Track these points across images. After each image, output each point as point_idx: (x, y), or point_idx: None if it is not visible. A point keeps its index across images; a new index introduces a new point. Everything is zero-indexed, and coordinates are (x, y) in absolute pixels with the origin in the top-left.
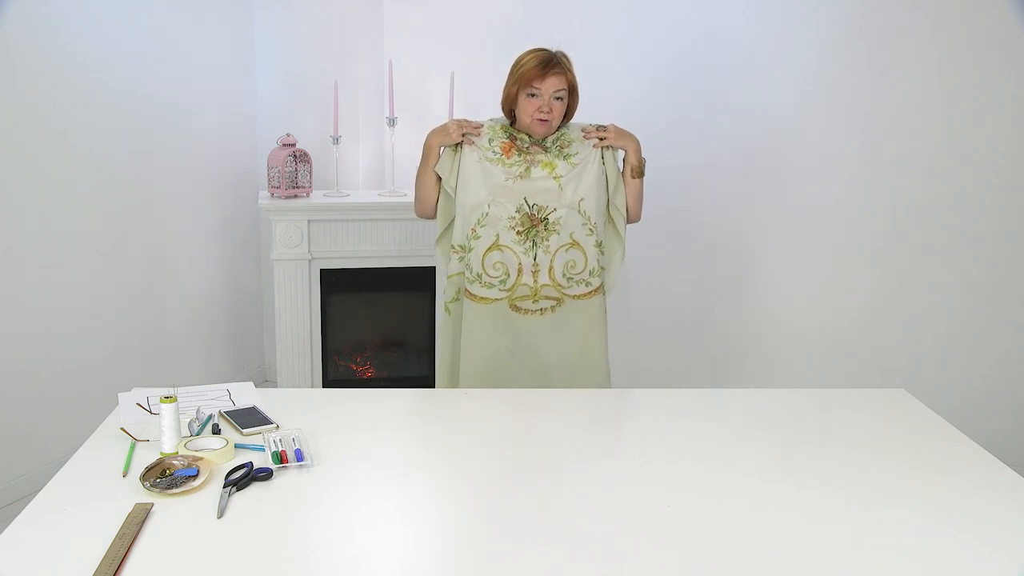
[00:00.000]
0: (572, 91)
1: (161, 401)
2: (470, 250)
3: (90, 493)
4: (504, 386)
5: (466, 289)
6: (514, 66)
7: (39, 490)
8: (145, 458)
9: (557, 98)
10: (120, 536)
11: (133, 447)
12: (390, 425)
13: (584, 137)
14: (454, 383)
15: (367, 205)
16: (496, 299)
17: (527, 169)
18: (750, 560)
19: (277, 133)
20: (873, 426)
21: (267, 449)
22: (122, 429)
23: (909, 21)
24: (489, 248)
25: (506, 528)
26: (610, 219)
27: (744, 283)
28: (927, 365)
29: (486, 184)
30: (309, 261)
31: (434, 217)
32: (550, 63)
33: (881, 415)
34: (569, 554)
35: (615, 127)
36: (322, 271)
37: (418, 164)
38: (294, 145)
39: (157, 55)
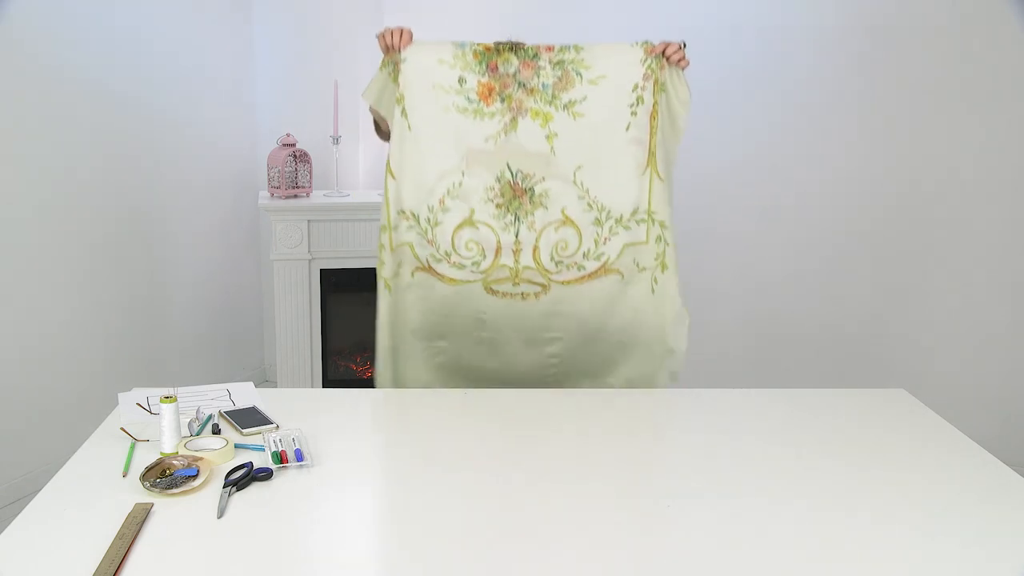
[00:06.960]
0: None
1: (161, 401)
2: (436, 224)
3: (90, 493)
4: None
5: (430, 266)
6: None
7: (39, 490)
8: (145, 458)
9: None
10: (120, 536)
11: (133, 447)
12: (390, 425)
13: (669, 61)
14: (399, 380)
15: (367, 205)
16: (467, 281)
17: (513, 121)
18: (749, 559)
19: (277, 133)
20: (873, 426)
21: (267, 449)
22: (122, 429)
23: (907, 22)
24: (461, 224)
25: (507, 528)
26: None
27: (744, 283)
28: (927, 365)
29: (457, 147)
30: (309, 261)
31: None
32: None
33: (881, 415)
34: (570, 554)
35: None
36: (322, 271)
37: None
38: (294, 145)
39: (157, 55)
